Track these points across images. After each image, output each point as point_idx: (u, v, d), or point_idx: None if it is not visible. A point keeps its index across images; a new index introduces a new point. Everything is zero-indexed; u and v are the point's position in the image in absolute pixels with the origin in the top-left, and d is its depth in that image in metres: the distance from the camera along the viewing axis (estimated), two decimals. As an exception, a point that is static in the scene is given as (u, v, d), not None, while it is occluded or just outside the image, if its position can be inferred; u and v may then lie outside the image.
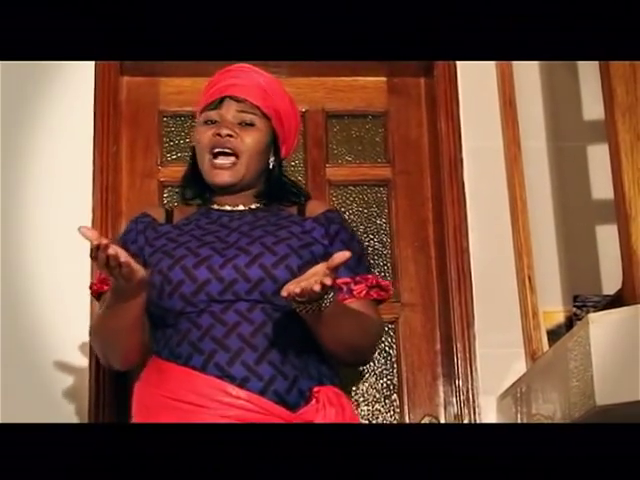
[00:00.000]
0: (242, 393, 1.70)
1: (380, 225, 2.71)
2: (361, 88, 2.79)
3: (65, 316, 2.76)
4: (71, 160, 2.62)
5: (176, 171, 2.69)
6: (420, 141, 2.76)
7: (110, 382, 2.40)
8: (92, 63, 2.66)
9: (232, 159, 1.91)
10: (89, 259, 2.21)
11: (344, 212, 2.67)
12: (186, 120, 2.76)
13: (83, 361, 2.75)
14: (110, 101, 2.66)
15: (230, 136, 1.90)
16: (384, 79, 2.79)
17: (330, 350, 1.81)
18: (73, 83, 2.67)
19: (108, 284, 1.81)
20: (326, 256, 1.78)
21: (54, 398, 2.42)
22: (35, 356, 2.69)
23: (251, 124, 1.91)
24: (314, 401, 1.76)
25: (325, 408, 1.76)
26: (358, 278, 1.87)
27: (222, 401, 1.71)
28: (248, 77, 1.95)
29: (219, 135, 1.90)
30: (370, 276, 1.90)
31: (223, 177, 1.91)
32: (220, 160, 1.91)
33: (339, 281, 1.80)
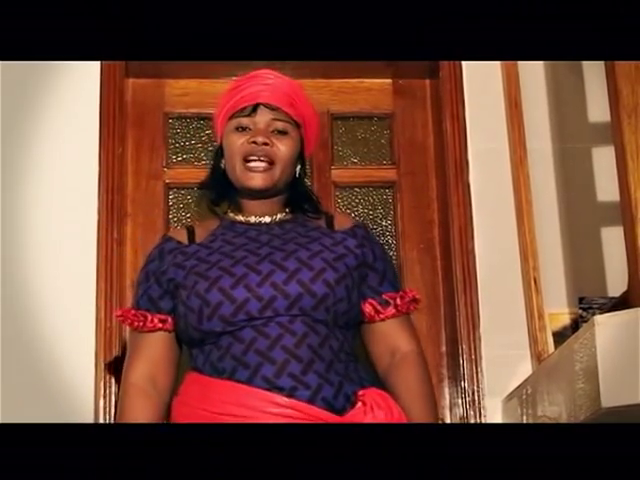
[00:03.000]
0: (291, 402, 1.71)
1: (385, 227, 2.71)
2: (366, 90, 2.80)
3: (69, 319, 2.79)
4: (77, 161, 2.62)
5: (182, 173, 2.71)
6: (426, 143, 2.76)
7: (116, 383, 2.40)
8: (97, 64, 2.67)
9: (266, 164, 1.88)
10: (93, 261, 2.23)
11: (349, 214, 2.67)
12: (192, 122, 2.76)
13: (86, 363, 2.78)
14: (116, 103, 2.66)
15: (266, 144, 1.87)
16: (389, 81, 2.79)
17: None
18: (78, 84, 2.68)
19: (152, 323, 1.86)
20: (359, 267, 1.85)
21: (58, 400, 2.42)
22: (38, 358, 2.71)
23: (284, 132, 1.89)
24: (360, 404, 1.77)
25: (373, 410, 1.77)
26: (401, 293, 1.92)
27: (272, 412, 1.71)
28: (277, 83, 1.92)
29: (255, 143, 1.87)
30: (407, 290, 1.95)
31: (257, 181, 1.87)
32: (254, 164, 1.88)
33: (385, 296, 1.88)
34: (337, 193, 2.71)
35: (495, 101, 2.68)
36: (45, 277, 2.54)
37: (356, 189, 2.73)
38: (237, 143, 1.88)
